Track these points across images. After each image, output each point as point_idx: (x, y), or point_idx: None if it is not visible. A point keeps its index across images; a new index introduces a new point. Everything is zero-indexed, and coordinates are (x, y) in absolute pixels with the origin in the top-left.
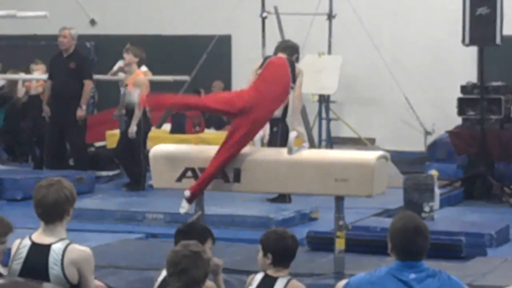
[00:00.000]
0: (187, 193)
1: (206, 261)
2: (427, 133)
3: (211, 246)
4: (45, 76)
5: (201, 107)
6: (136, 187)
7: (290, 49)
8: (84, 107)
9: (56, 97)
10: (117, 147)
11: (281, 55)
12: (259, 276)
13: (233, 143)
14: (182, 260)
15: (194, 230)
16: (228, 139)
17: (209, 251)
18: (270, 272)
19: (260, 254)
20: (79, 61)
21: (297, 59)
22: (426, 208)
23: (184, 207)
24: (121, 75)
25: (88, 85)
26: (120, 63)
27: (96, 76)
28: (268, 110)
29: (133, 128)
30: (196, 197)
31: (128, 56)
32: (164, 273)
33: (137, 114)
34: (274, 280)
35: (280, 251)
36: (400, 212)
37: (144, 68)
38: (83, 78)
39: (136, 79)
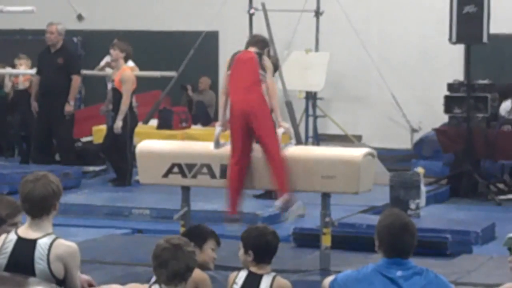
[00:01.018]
0: (280, 203)
1: (188, 254)
2: (414, 130)
3: (214, 246)
4: (31, 71)
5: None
6: (122, 182)
7: (261, 43)
8: (72, 102)
9: (44, 92)
10: (103, 143)
11: (252, 49)
12: (243, 274)
13: (270, 145)
14: (162, 253)
15: (195, 231)
16: (265, 146)
17: (211, 251)
18: (253, 269)
19: (241, 251)
20: (67, 57)
21: (269, 53)
22: (412, 206)
23: (298, 206)
24: (108, 70)
25: (76, 80)
26: (107, 59)
27: (83, 71)
28: (257, 99)
29: (118, 124)
30: (292, 192)
31: (115, 52)
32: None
33: (123, 109)
34: (259, 277)
35: (261, 248)
36: (388, 209)
37: (131, 63)
38: (71, 73)
39: (122, 75)
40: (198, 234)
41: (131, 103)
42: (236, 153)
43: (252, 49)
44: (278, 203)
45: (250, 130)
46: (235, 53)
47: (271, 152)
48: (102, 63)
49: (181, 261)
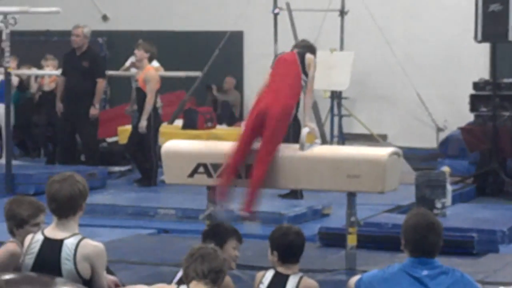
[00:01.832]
0: (246, 214)
1: (224, 261)
2: (439, 129)
3: (235, 245)
4: (56, 72)
5: (241, 151)
6: (148, 182)
7: (307, 49)
8: (97, 105)
9: (69, 94)
10: (128, 142)
11: (298, 50)
12: (269, 274)
13: (266, 150)
14: (200, 250)
15: (217, 230)
16: (261, 148)
17: (233, 250)
18: (280, 269)
19: (269, 251)
20: (92, 60)
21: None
22: (438, 205)
23: (253, 228)
24: (133, 70)
25: (101, 83)
26: (132, 59)
27: (109, 72)
28: (285, 105)
29: (143, 123)
30: (255, 211)
31: (139, 52)
32: (179, 274)
33: (147, 109)
34: (285, 277)
35: (284, 248)
36: (414, 208)
37: (155, 64)
38: (96, 76)
39: (146, 74)
40: (219, 234)
41: (155, 103)
42: (240, 148)
43: (297, 51)
44: (242, 214)
45: (260, 131)
46: (279, 53)
47: (256, 167)
48: (127, 63)
49: (218, 261)
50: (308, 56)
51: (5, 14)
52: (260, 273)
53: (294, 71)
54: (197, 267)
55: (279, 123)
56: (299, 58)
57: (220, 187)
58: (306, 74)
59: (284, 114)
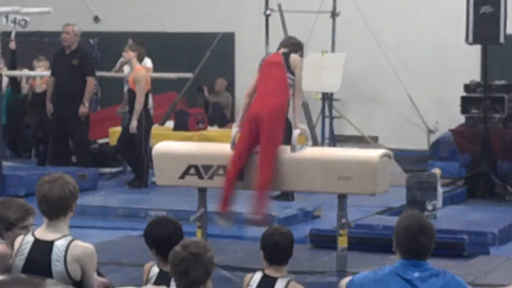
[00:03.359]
0: (257, 217)
1: (208, 261)
2: (430, 131)
3: None
4: (46, 73)
5: (240, 159)
6: (139, 183)
7: (293, 46)
8: (87, 104)
9: (59, 94)
10: (117, 143)
11: (283, 50)
12: (257, 276)
13: (266, 153)
14: (181, 263)
15: (178, 233)
16: (261, 152)
17: None
18: (269, 271)
19: (260, 252)
20: (82, 58)
21: (301, 56)
22: (429, 207)
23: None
24: (126, 68)
25: (91, 82)
26: (122, 60)
27: (100, 73)
28: (273, 107)
29: (133, 123)
30: (266, 215)
31: (126, 54)
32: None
33: (137, 108)
34: (273, 280)
35: (269, 248)
36: (407, 210)
37: (148, 63)
38: (86, 75)
39: (135, 75)
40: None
41: (146, 104)
42: (236, 155)
43: (283, 51)
44: (250, 217)
45: (258, 137)
46: (264, 57)
47: (260, 172)
48: (118, 64)
49: (200, 270)
50: (293, 56)
51: None
52: (248, 275)
53: (277, 73)
54: (182, 280)
55: (271, 125)
56: (284, 59)
57: (222, 196)
58: (292, 73)
59: (274, 116)
